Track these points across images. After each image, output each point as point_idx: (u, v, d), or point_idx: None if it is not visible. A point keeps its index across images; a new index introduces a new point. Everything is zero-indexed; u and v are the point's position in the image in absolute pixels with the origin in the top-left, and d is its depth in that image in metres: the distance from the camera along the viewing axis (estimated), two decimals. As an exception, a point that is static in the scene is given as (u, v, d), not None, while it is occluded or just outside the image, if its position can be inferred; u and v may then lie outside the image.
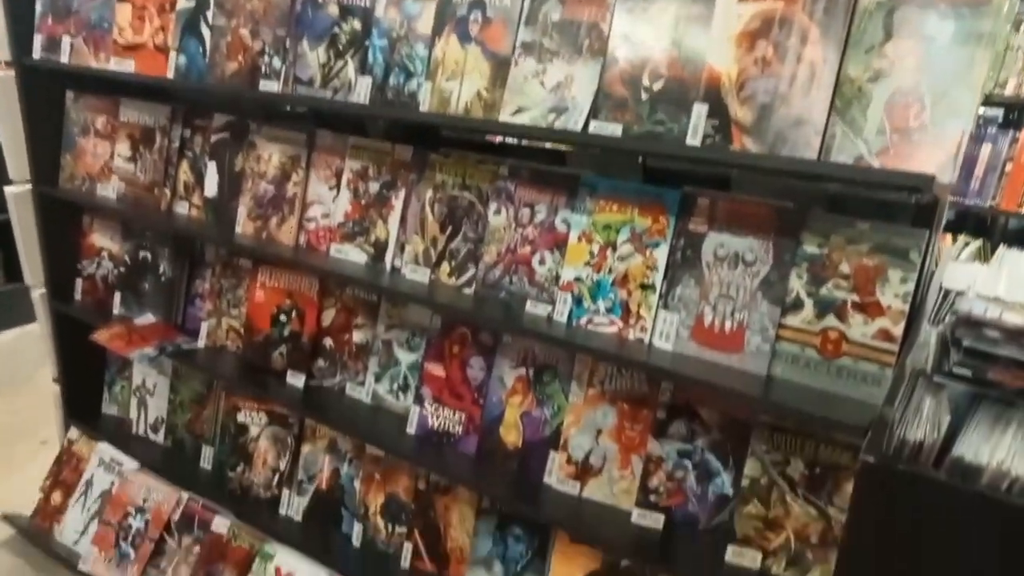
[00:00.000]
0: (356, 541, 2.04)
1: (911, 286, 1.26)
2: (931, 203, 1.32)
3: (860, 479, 1.09)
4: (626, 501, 1.59)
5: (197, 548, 2.19)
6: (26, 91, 2.28)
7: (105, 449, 2.43)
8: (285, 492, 2.17)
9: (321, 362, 2.09)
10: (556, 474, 1.66)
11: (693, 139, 1.30)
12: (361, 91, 1.71)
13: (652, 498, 1.55)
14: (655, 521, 1.54)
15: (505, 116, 1.52)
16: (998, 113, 3.56)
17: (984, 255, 3.30)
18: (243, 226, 2.12)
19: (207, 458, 2.33)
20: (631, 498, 1.58)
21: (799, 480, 1.40)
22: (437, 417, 1.84)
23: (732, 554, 1.43)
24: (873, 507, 1.08)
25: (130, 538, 2.27)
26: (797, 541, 1.40)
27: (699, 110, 1.30)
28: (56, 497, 2.48)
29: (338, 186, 1.96)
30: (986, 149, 3.56)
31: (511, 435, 1.75)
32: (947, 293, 1.24)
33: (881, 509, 1.05)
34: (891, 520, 1.04)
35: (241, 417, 2.28)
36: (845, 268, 1.32)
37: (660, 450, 1.54)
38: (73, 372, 2.58)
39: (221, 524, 2.19)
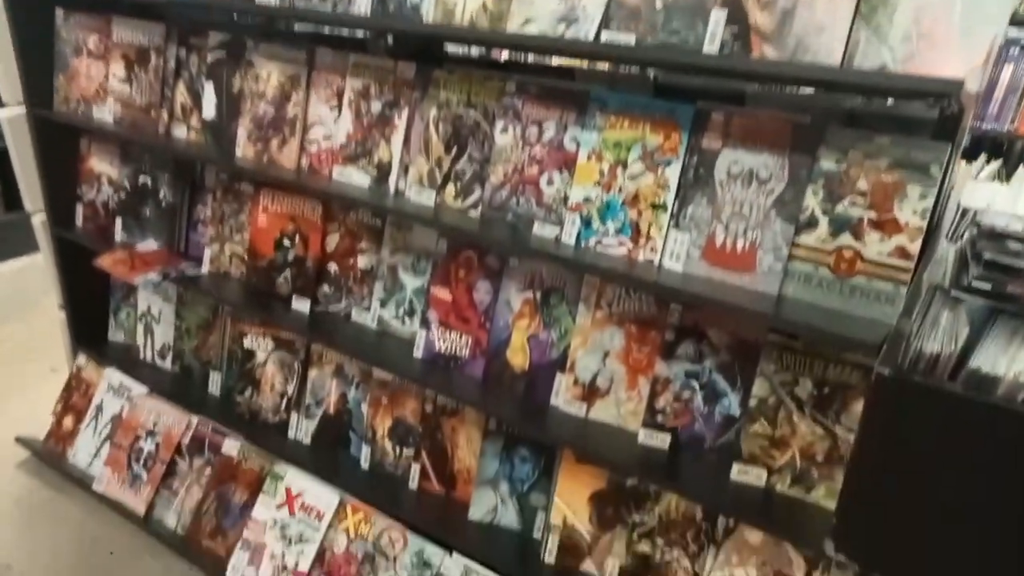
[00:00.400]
0: (365, 463, 2.06)
1: (930, 202, 1.22)
2: (954, 115, 1.27)
3: (874, 391, 1.08)
4: (632, 422, 1.60)
5: (208, 470, 2.23)
6: (13, 8, 2.20)
7: (113, 374, 2.45)
8: (293, 416, 2.20)
9: (326, 287, 2.08)
10: (563, 396, 1.67)
11: (710, 47, 1.25)
12: (362, 3, 1.64)
13: (659, 419, 1.56)
14: (661, 441, 1.55)
15: (512, 27, 1.46)
16: (1022, 34, 3.43)
17: (1003, 177, 3.23)
18: (243, 149, 2.08)
19: (215, 383, 2.35)
20: (637, 419, 1.58)
21: (807, 399, 1.39)
22: (444, 341, 1.84)
23: (737, 472, 1.44)
24: (886, 419, 1.08)
25: (142, 460, 2.31)
26: (803, 459, 1.41)
27: (717, 16, 1.24)
28: (68, 422, 2.51)
29: (339, 106, 1.91)
30: (1007, 71, 3.45)
31: (518, 358, 1.75)
32: (965, 211, 1.21)
33: (894, 421, 1.04)
34: (904, 432, 1.04)
35: (247, 342, 2.28)
36: (863, 184, 1.28)
37: (668, 371, 1.54)
38: (78, 299, 2.58)
39: (231, 447, 2.22)
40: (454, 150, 1.76)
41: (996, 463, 0.98)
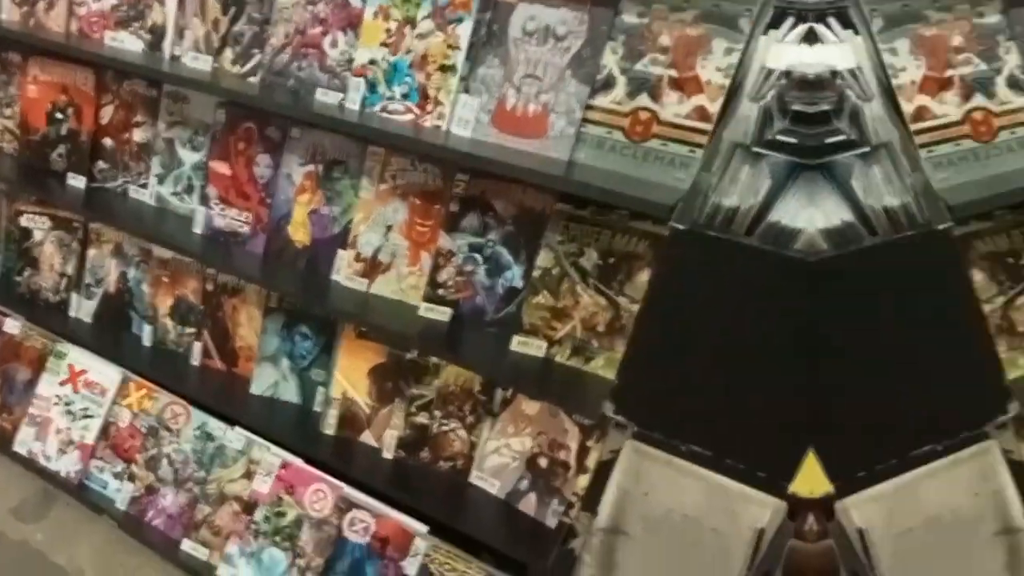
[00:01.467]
0: (147, 341, 1.12)
1: (736, 58, 0.62)
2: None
3: (668, 246, 0.49)
4: (414, 296, 0.86)
5: (-13, 350, 1.09)
6: None
7: None
8: (74, 296, 1.17)
9: (102, 163, 1.07)
10: (344, 272, 0.88)
11: None
12: None
13: (440, 292, 0.84)
14: (442, 314, 0.83)
15: None
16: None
17: (810, 41, 2.30)
18: (7, 12, 0.98)
19: (-9, 264, 1.17)
20: (419, 293, 0.86)
21: (591, 270, 0.76)
22: (223, 217, 0.95)
23: (517, 343, 0.78)
24: (678, 275, 0.50)
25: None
26: (584, 330, 0.78)
27: None
28: None
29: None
30: None
31: (299, 234, 0.92)
32: (771, 71, 0.59)
33: (685, 276, 0.49)
34: (694, 287, 0.53)
35: (24, 221, 1.19)
36: (665, 40, 0.65)
37: (451, 244, 0.82)
38: None
39: (12, 326, 1.16)
40: (232, 11, 0.84)
41: (787, 316, 0.42)
